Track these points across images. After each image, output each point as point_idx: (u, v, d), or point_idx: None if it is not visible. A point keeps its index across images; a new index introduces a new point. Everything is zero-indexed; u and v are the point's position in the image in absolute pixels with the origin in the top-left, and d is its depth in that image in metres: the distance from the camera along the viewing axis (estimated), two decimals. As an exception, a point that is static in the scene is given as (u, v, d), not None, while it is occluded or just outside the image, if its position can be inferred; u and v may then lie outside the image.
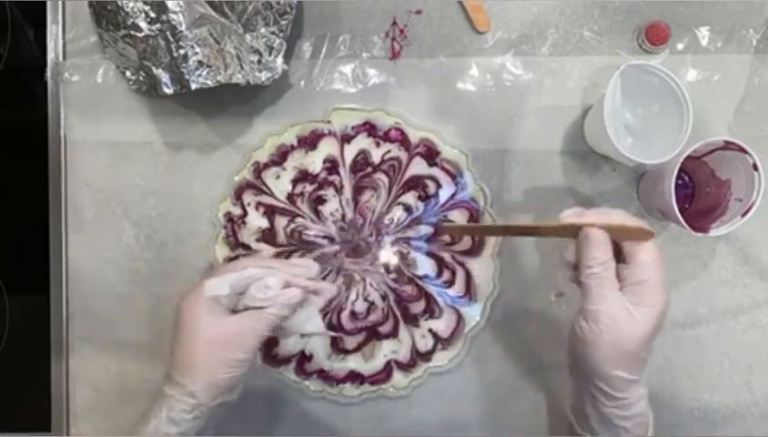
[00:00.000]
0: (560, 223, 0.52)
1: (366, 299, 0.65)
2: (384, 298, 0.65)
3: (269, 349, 0.65)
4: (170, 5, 0.58)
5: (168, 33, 0.59)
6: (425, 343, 0.65)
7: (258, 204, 0.65)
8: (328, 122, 0.65)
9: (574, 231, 0.51)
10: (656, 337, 0.50)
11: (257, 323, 0.52)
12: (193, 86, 0.59)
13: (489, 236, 0.65)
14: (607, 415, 0.50)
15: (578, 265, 0.51)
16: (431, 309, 0.65)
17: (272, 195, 0.65)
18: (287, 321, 0.54)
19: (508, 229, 0.63)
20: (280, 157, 0.65)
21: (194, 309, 0.52)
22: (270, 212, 0.65)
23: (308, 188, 0.65)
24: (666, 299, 0.50)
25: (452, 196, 0.64)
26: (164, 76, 0.60)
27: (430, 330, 0.65)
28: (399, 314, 0.65)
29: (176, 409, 0.51)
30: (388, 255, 0.65)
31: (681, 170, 0.56)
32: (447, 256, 0.65)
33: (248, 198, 0.66)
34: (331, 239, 0.65)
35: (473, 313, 0.65)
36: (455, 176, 0.64)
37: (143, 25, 0.59)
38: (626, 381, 0.49)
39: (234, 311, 0.53)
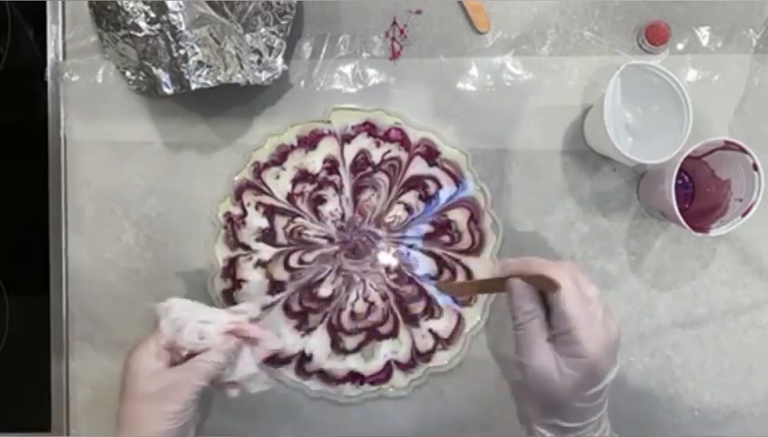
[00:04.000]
0: (488, 279, 0.53)
1: (366, 300, 0.65)
2: (384, 298, 0.65)
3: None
4: (170, 5, 0.58)
5: (168, 33, 0.59)
6: (425, 343, 0.65)
7: (258, 204, 0.65)
8: (328, 122, 0.65)
9: (502, 284, 0.51)
10: (594, 387, 0.47)
11: (191, 373, 0.52)
12: (193, 86, 0.59)
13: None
14: None
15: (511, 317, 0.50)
16: (431, 310, 0.65)
17: (272, 195, 0.65)
18: (224, 370, 0.54)
19: (453, 288, 0.63)
20: (280, 157, 0.65)
21: (136, 366, 0.52)
22: (270, 212, 0.65)
23: (308, 187, 0.65)
24: (595, 350, 0.46)
25: (452, 196, 0.64)
26: (164, 76, 0.60)
27: (430, 331, 0.65)
28: (399, 314, 0.65)
29: None
30: (387, 255, 0.65)
31: (681, 170, 0.56)
32: (447, 256, 0.65)
33: (248, 197, 0.66)
34: (331, 240, 0.65)
35: (473, 313, 0.65)
36: (455, 176, 0.64)
37: (143, 25, 0.59)
38: (566, 430, 0.48)
39: (174, 363, 0.53)
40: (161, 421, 0.51)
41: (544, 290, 0.49)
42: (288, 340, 0.64)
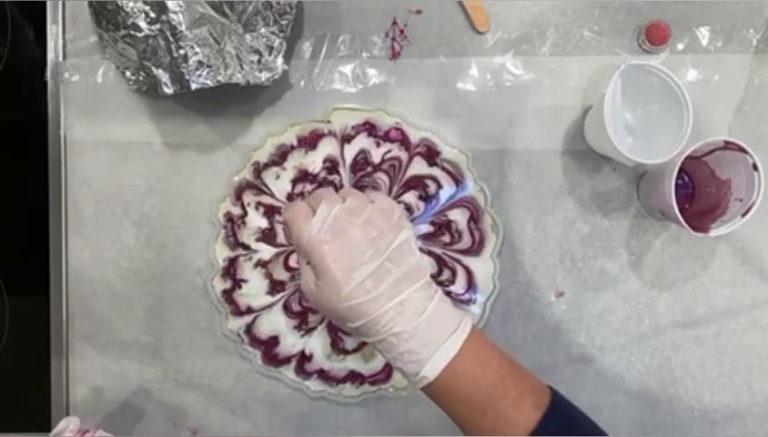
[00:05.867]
0: None
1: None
2: (384, 298, 0.65)
3: (270, 349, 0.66)
4: (170, 5, 0.58)
5: (168, 33, 0.59)
6: (425, 343, 0.65)
7: (258, 204, 0.65)
8: (328, 122, 0.65)
9: None
10: (346, 285, 0.47)
11: None
12: (193, 86, 0.59)
13: None
14: (384, 357, 0.50)
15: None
16: (431, 310, 0.65)
17: (272, 195, 0.65)
18: None
19: None
20: (280, 157, 0.65)
21: None
22: (270, 212, 0.65)
23: (308, 187, 0.65)
24: (324, 253, 0.47)
25: (452, 196, 0.64)
26: (164, 76, 0.60)
27: (430, 330, 0.65)
28: (398, 314, 0.65)
29: None
30: None
31: (681, 170, 0.56)
32: (447, 256, 0.65)
33: (248, 197, 0.66)
34: (331, 239, 0.65)
35: (473, 313, 0.65)
36: (455, 176, 0.64)
37: (143, 25, 0.59)
38: (363, 331, 0.48)
39: None
40: None
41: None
42: None
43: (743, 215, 0.55)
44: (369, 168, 0.65)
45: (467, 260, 0.65)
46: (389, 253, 0.48)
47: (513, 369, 0.49)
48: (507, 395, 0.47)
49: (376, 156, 0.65)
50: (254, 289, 0.66)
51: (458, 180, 0.64)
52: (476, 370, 0.48)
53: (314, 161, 0.65)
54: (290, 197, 0.65)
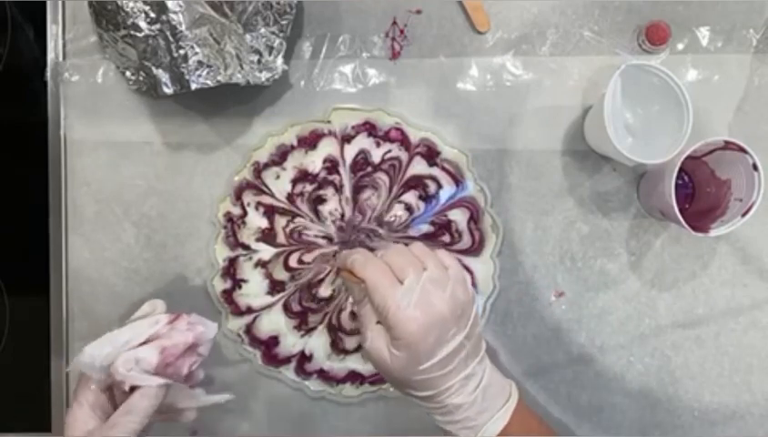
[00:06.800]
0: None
1: (366, 299, 0.65)
2: (384, 298, 0.65)
3: (270, 349, 0.66)
4: (170, 5, 0.58)
5: (168, 33, 0.59)
6: (425, 343, 0.65)
7: (258, 204, 0.65)
8: (328, 122, 0.65)
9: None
10: (425, 362, 0.49)
11: (113, 431, 0.49)
12: (193, 86, 0.59)
13: None
14: (434, 419, 0.52)
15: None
16: (431, 310, 0.65)
17: (272, 195, 0.65)
18: (158, 409, 0.51)
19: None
20: (280, 157, 0.65)
21: (71, 431, 0.50)
22: (270, 212, 0.65)
23: (308, 187, 0.65)
24: (412, 332, 0.48)
25: (452, 196, 0.64)
26: (164, 76, 0.60)
27: (430, 330, 0.65)
28: (399, 314, 0.65)
29: None
30: None
31: (681, 170, 0.56)
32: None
33: (248, 197, 0.66)
34: (330, 240, 0.65)
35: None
36: (455, 176, 0.64)
37: (143, 25, 0.59)
38: (420, 398, 0.51)
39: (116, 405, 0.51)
40: None
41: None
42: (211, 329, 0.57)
43: (743, 215, 0.55)
44: (369, 168, 0.65)
45: (467, 260, 0.65)
46: (467, 330, 0.50)
47: (546, 428, 0.54)
48: None
49: (376, 156, 0.65)
50: (254, 289, 0.66)
51: (458, 180, 0.64)
52: (522, 433, 0.51)
53: (314, 161, 0.65)
54: (290, 196, 0.65)
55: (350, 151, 0.65)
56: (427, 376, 0.49)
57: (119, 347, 0.50)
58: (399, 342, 0.49)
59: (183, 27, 0.58)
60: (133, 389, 0.50)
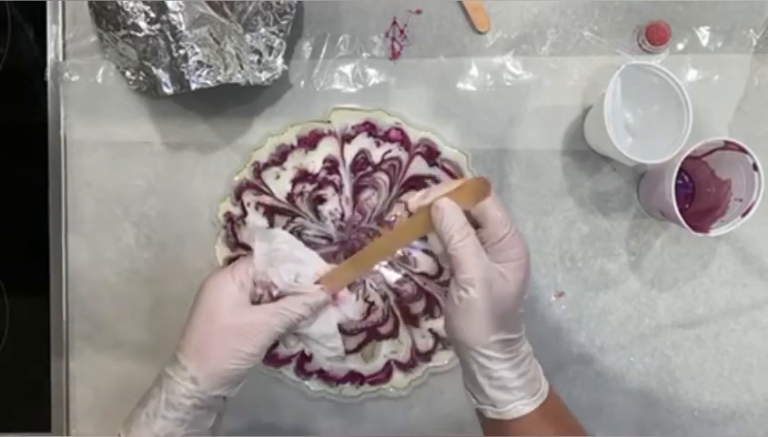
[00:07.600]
0: (411, 218, 0.52)
1: (366, 300, 0.65)
2: (384, 298, 0.65)
3: (269, 349, 0.65)
4: (170, 5, 0.58)
5: (168, 33, 0.59)
6: (425, 343, 0.65)
7: (258, 204, 0.65)
8: (328, 122, 0.65)
9: (427, 215, 0.50)
10: (527, 289, 0.50)
11: (274, 319, 0.51)
12: (193, 86, 0.59)
13: (357, 271, 0.57)
14: (499, 379, 0.49)
15: (443, 243, 0.50)
16: (431, 309, 0.65)
17: (272, 195, 0.65)
18: (303, 324, 0.52)
19: (368, 254, 0.56)
20: (280, 157, 0.65)
21: (217, 292, 0.50)
22: (270, 212, 0.65)
23: (308, 187, 0.65)
24: (526, 250, 0.49)
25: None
26: (164, 76, 0.60)
27: (430, 330, 0.65)
28: (398, 314, 0.65)
29: (176, 392, 0.49)
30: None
31: (681, 170, 0.56)
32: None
33: (248, 198, 0.66)
34: (330, 239, 0.65)
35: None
36: (455, 176, 0.64)
37: (143, 25, 0.59)
38: (510, 342, 0.49)
39: (254, 303, 0.52)
40: (232, 359, 0.49)
41: (470, 205, 0.50)
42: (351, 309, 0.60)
43: (743, 215, 0.55)
44: (369, 168, 0.65)
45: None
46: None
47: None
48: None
49: (376, 156, 0.65)
50: (254, 289, 0.66)
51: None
52: (562, 406, 0.52)
53: (314, 161, 0.65)
54: (290, 196, 0.65)
55: (350, 151, 0.65)
56: (522, 309, 0.49)
57: (294, 255, 0.51)
58: (516, 264, 0.49)
59: (183, 27, 0.58)
60: (277, 297, 0.51)
